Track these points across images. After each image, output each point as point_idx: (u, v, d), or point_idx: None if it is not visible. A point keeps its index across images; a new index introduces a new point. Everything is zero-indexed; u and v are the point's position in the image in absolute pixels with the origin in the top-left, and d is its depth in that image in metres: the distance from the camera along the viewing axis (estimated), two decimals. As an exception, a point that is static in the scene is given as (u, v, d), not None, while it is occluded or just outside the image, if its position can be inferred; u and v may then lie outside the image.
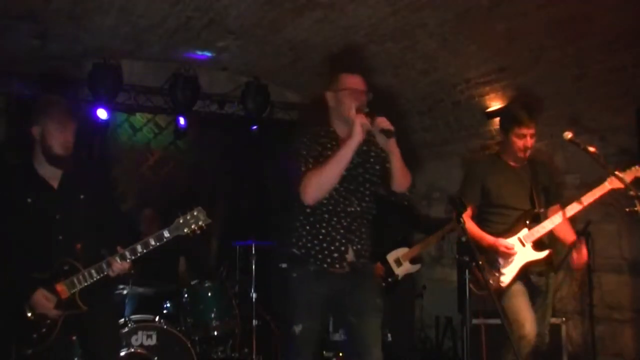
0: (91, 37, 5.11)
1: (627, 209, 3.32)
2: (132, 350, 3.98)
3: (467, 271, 2.70)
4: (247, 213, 6.53)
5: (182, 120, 5.98)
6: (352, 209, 2.83)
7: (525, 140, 3.59)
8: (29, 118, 2.88)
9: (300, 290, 2.81)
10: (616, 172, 3.32)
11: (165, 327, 4.15)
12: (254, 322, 4.86)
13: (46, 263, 2.76)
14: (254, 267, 4.97)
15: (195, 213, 2.82)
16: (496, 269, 3.57)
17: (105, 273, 2.79)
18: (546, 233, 3.58)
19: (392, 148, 2.75)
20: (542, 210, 3.63)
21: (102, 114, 5.44)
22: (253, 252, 4.99)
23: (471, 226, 3.56)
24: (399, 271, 5.12)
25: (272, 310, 5.20)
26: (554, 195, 3.74)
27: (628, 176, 3.34)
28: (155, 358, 4.02)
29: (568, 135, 3.46)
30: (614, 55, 4.19)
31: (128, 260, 2.80)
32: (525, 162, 3.71)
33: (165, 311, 4.64)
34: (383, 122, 2.69)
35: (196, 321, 4.51)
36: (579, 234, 4.38)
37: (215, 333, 4.54)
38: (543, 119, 4.52)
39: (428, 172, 6.25)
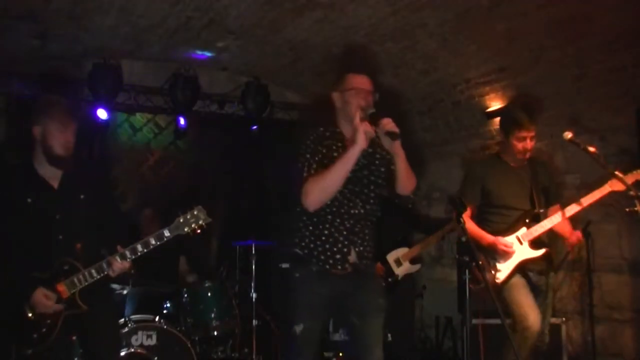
0: (91, 37, 5.11)
1: (627, 209, 3.32)
2: (132, 350, 3.98)
3: (467, 271, 2.70)
4: (247, 213, 6.53)
5: (182, 120, 5.98)
6: (356, 211, 2.82)
7: (525, 142, 3.60)
8: (29, 118, 2.88)
9: (302, 290, 2.80)
10: (616, 172, 3.32)
11: (165, 327, 4.15)
12: (254, 322, 4.86)
13: (46, 263, 2.76)
14: (254, 267, 4.97)
15: (195, 212, 2.82)
16: (493, 265, 3.60)
17: (106, 273, 2.78)
18: (544, 232, 3.60)
19: (397, 150, 2.74)
20: (542, 210, 3.64)
21: (102, 114, 5.44)
22: (253, 252, 4.99)
23: (470, 225, 3.57)
24: (399, 271, 5.12)
25: (272, 310, 5.21)
26: (554, 196, 3.75)
27: (629, 179, 3.34)
28: (155, 358, 4.01)
29: (568, 135, 3.46)
30: (614, 55, 4.19)
31: (128, 260, 2.80)
32: (526, 162, 3.72)
33: (165, 311, 4.63)
34: (388, 124, 2.67)
35: (196, 321, 4.51)
36: (579, 234, 4.40)
37: (215, 333, 4.54)
38: (543, 119, 4.53)
39: (428, 172, 6.25)
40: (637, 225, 4.02)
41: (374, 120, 2.70)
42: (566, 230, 3.65)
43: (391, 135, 2.66)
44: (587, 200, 3.51)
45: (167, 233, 2.81)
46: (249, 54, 5.61)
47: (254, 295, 4.92)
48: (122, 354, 3.81)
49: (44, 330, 2.72)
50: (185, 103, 5.70)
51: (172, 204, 5.03)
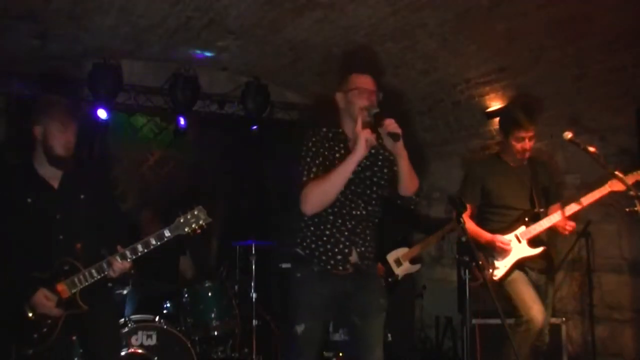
0: (91, 37, 5.10)
1: (627, 209, 3.32)
2: (132, 350, 3.98)
3: (467, 271, 2.70)
4: (247, 213, 6.53)
5: (182, 120, 5.98)
6: (358, 212, 2.82)
7: (524, 142, 3.61)
8: (30, 118, 2.88)
9: (303, 290, 2.80)
10: (616, 173, 3.32)
11: (165, 327, 4.15)
12: (254, 322, 4.86)
13: (46, 263, 2.76)
14: (254, 267, 4.97)
15: (195, 212, 2.83)
16: (491, 263, 3.62)
17: (106, 272, 2.79)
18: (543, 231, 3.61)
19: (400, 151, 2.72)
20: (542, 210, 3.64)
21: (102, 114, 5.44)
22: (253, 252, 4.99)
23: (469, 224, 3.58)
24: (399, 271, 5.12)
25: (272, 310, 5.21)
26: (554, 195, 3.76)
27: (629, 179, 3.35)
28: (155, 358, 4.01)
29: (568, 135, 3.46)
30: (614, 55, 4.19)
31: (129, 260, 2.80)
32: (526, 162, 3.72)
33: (165, 311, 4.63)
34: (391, 125, 2.65)
35: (196, 321, 4.51)
36: (579, 234, 4.41)
37: (215, 333, 4.54)
38: (543, 119, 4.53)
39: (428, 172, 6.25)
40: (637, 225, 4.02)
41: (377, 120, 2.69)
42: (560, 223, 3.63)
43: (393, 136, 2.65)
44: (587, 199, 3.52)
45: (167, 233, 2.81)
46: (249, 54, 5.60)
47: (254, 295, 4.92)
48: (122, 354, 3.81)
49: (45, 330, 2.72)
50: (185, 103, 5.70)
51: (172, 204, 5.03)
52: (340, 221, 2.80)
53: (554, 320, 4.09)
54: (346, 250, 2.79)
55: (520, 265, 3.63)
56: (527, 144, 3.61)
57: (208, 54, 5.60)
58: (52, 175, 2.88)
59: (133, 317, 4.19)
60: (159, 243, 2.81)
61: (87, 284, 2.77)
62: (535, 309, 3.47)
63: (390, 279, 5.06)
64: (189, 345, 4.16)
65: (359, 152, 2.66)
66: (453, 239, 5.30)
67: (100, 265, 2.78)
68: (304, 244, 2.84)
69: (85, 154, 5.41)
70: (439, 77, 5.37)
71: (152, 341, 4.07)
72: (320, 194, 2.69)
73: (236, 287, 5.07)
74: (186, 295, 4.59)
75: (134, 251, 2.80)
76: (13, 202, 2.80)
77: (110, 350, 2.96)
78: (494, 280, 3.59)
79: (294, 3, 4.40)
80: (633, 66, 4.18)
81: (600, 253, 4.49)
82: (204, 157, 6.57)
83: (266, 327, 5.13)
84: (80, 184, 2.93)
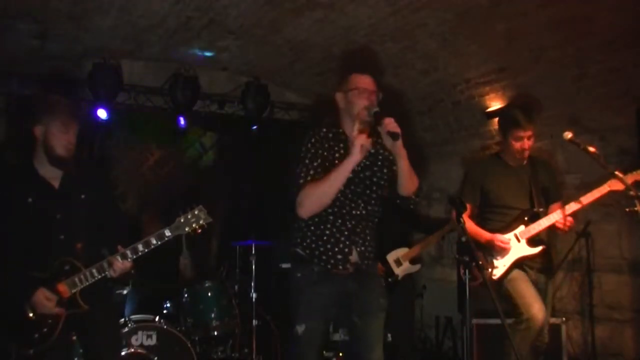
0: (91, 37, 5.10)
1: (627, 209, 3.32)
2: (132, 350, 3.97)
3: (467, 271, 2.70)
4: (247, 213, 6.53)
5: (182, 120, 5.98)
6: (358, 212, 2.83)
7: (522, 142, 3.61)
8: (31, 117, 2.88)
9: (303, 290, 2.81)
10: (616, 172, 3.32)
11: (165, 327, 4.15)
12: (254, 322, 4.86)
13: (47, 263, 2.76)
14: (254, 267, 4.97)
15: (196, 212, 2.83)
16: (490, 262, 3.62)
17: (107, 272, 2.79)
18: (542, 230, 3.61)
19: (399, 150, 2.73)
20: (541, 209, 3.64)
21: (102, 114, 5.44)
22: (253, 252, 4.99)
23: (468, 223, 3.58)
24: (399, 271, 5.13)
25: (272, 310, 5.21)
26: (553, 195, 3.75)
27: (629, 179, 3.35)
28: (155, 358, 4.01)
29: (568, 135, 3.46)
30: (614, 55, 4.19)
31: (129, 260, 2.80)
32: (526, 162, 3.73)
33: (165, 311, 4.63)
34: (390, 124, 2.66)
35: (196, 321, 4.51)
36: (578, 234, 4.41)
37: (215, 333, 4.54)
38: (543, 119, 4.53)
39: (428, 172, 6.25)
40: (637, 225, 4.01)
41: (377, 119, 2.70)
42: (559, 220, 3.62)
43: (393, 135, 2.66)
44: (587, 198, 3.51)
45: (168, 233, 2.82)
46: (249, 54, 5.61)
47: (254, 295, 4.93)
48: (122, 354, 3.81)
49: (45, 330, 2.72)
50: (185, 103, 5.70)
51: (172, 204, 5.04)
52: (340, 221, 2.80)
53: (554, 320, 4.09)
54: (346, 250, 2.79)
55: (519, 264, 3.63)
56: (526, 144, 3.62)
57: (208, 54, 5.60)
58: (53, 175, 2.88)
59: (133, 317, 4.19)
60: (159, 243, 2.82)
61: (87, 283, 2.77)
62: (536, 307, 3.47)
63: (390, 279, 5.07)
64: (189, 345, 4.16)
65: (354, 158, 2.68)
66: (453, 239, 5.31)
67: (100, 265, 2.78)
68: (304, 243, 2.85)
69: (86, 154, 5.41)
70: (439, 77, 5.37)
71: (152, 341, 4.07)
72: (315, 199, 2.72)
73: (236, 287, 5.07)
74: (186, 295, 4.60)
75: (135, 251, 2.80)
76: (13, 202, 2.80)
77: (111, 350, 2.96)
78: (494, 279, 3.60)
79: (294, 3, 4.41)
80: (633, 66, 4.18)
81: (600, 253, 4.49)
82: (204, 157, 6.57)
83: (266, 327, 5.12)
84: (81, 184, 2.93)
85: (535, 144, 3.73)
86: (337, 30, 4.84)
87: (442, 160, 6.11)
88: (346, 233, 2.80)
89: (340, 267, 2.79)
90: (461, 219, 2.71)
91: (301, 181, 2.75)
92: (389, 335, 4.84)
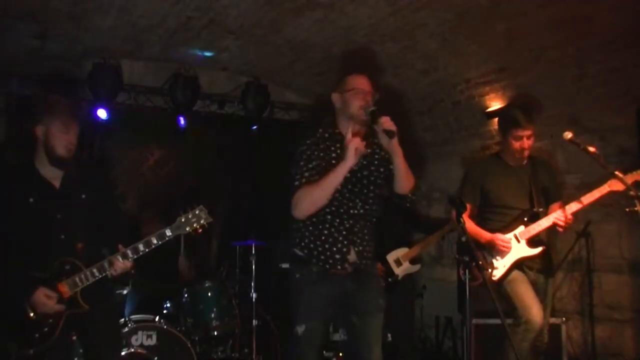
0: (91, 37, 5.11)
1: (627, 209, 3.32)
2: (132, 350, 3.97)
3: (467, 271, 2.70)
4: (247, 213, 6.53)
5: (182, 120, 5.98)
6: (356, 211, 2.84)
7: (522, 141, 3.61)
8: (32, 117, 2.89)
9: (302, 290, 2.82)
10: (616, 173, 3.32)
11: (165, 327, 4.15)
12: (254, 322, 4.86)
13: (47, 263, 2.76)
14: (254, 267, 4.97)
15: (196, 212, 2.84)
16: (490, 263, 3.62)
17: (107, 272, 2.79)
18: (542, 230, 3.60)
19: (395, 148, 2.75)
20: (541, 209, 3.64)
21: (102, 114, 5.44)
22: (253, 252, 4.99)
23: (468, 223, 3.57)
24: (399, 271, 5.13)
25: (272, 310, 5.20)
26: (553, 195, 3.75)
27: (629, 179, 3.35)
28: (155, 358, 4.01)
29: (568, 135, 3.46)
30: (614, 55, 4.19)
31: (130, 259, 2.80)
32: (526, 162, 3.73)
33: (165, 311, 4.63)
34: (386, 123, 2.69)
35: (196, 321, 4.51)
36: (578, 234, 4.41)
37: (215, 333, 4.53)
38: (543, 119, 4.53)
39: (428, 172, 6.25)
40: (637, 225, 4.01)
41: (373, 118, 2.73)
42: (559, 218, 3.61)
43: (388, 133, 2.69)
44: (587, 199, 3.51)
45: (168, 232, 2.82)
46: (249, 54, 5.61)
47: (254, 295, 4.92)
48: (122, 354, 3.81)
49: (46, 329, 2.72)
50: (185, 103, 5.70)
51: (172, 204, 5.03)
52: (338, 220, 2.81)
53: (554, 320, 4.09)
54: (344, 250, 2.80)
55: (519, 265, 3.63)
56: (526, 143, 3.62)
57: (208, 54, 5.60)
58: (53, 175, 2.88)
59: (133, 317, 4.19)
60: (160, 242, 2.82)
61: (88, 283, 2.77)
62: (534, 310, 3.47)
63: (390, 279, 5.07)
64: (189, 345, 4.16)
65: (349, 162, 2.70)
66: (453, 239, 5.31)
67: (101, 265, 2.78)
68: (302, 244, 2.86)
69: (86, 154, 5.40)
70: (439, 77, 5.37)
71: (152, 341, 4.07)
72: (310, 201, 2.74)
73: (236, 287, 5.07)
74: (186, 295, 4.60)
75: (136, 250, 2.80)
76: (14, 202, 2.80)
77: (111, 350, 2.96)
78: (493, 280, 3.59)
79: (294, 3, 4.41)
80: (633, 66, 4.18)
81: (600, 253, 4.49)
82: (204, 157, 6.56)
83: (266, 327, 5.12)
84: (81, 184, 2.93)
85: (535, 144, 3.73)
86: (337, 30, 4.84)
87: (442, 160, 6.11)
88: (344, 232, 2.81)
89: (339, 266, 2.79)
90: (461, 219, 2.71)
91: (296, 183, 2.78)
92: (389, 335, 4.85)
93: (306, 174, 2.78)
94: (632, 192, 3.24)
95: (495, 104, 5.25)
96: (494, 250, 3.63)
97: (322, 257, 2.80)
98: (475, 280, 3.26)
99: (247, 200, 6.64)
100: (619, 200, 3.69)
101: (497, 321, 3.74)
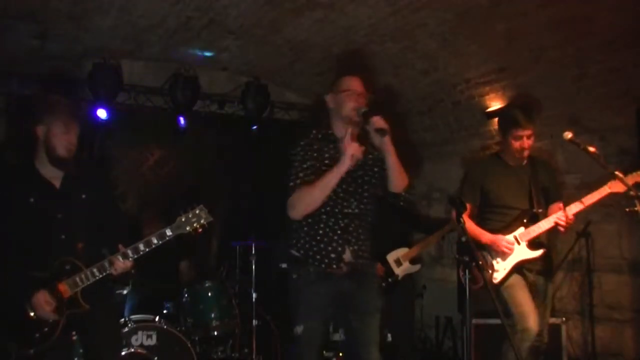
0: (91, 37, 5.11)
1: (627, 209, 3.32)
2: (132, 350, 3.97)
3: (467, 271, 2.70)
4: (247, 213, 6.52)
5: (182, 120, 5.98)
6: (350, 211, 2.86)
7: (522, 141, 3.61)
8: (32, 117, 2.89)
9: (301, 291, 2.83)
10: (616, 173, 3.32)
11: (165, 327, 4.15)
12: (254, 322, 4.86)
13: (48, 262, 2.76)
14: (254, 267, 4.97)
15: (197, 211, 2.84)
16: (490, 264, 3.61)
17: (108, 272, 2.79)
18: (542, 232, 3.59)
19: (387, 147, 2.78)
20: (540, 210, 3.63)
21: (102, 114, 5.44)
22: (253, 252, 4.99)
23: (469, 224, 3.57)
24: (399, 271, 5.12)
25: (272, 310, 5.20)
26: (554, 195, 3.75)
27: (629, 180, 3.34)
28: (155, 358, 4.01)
29: (568, 135, 3.46)
30: (614, 55, 4.19)
31: (130, 259, 2.80)
32: (526, 162, 3.72)
33: (165, 311, 4.63)
34: (377, 122, 2.73)
35: (196, 321, 4.51)
36: (578, 234, 4.41)
37: (215, 333, 4.53)
38: (543, 119, 4.53)
39: (428, 172, 6.25)
40: (637, 225, 4.02)
41: (366, 118, 2.77)
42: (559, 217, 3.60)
43: (380, 132, 2.73)
44: (589, 200, 3.51)
45: (169, 232, 2.83)
46: (249, 54, 5.61)
47: (254, 295, 4.92)
48: (122, 354, 3.81)
49: (46, 329, 2.72)
50: (185, 103, 5.70)
51: (172, 204, 5.02)
52: (333, 220, 2.83)
53: (554, 320, 4.09)
54: (339, 249, 2.81)
55: (519, 267, 3.61)
56: (526, 143, 3.61)
57: (208, 54, 5.60)
58: (54, 175, 2.88)
59: (133, 317, 4.18)
60: (160, 242, 2.82)
61: (88, 283, 2.77)
62: (531, 321, 3.45)
63: (390, 279, 5.06)
64: (189, 345, 4.16)
65: (344, 166, 2.74)
66: (453, 239, 5.31)
67: (102, 265, 2.78)
68: (299, 244, 2.88)
69: (86, 154, 5.40)
70: (439, 77, 5.37)
71: (152, 341, 4.07)
72: (306, 202, 2.77)
73: (236, 287, 5.07)
74: (186, 295, 4.59)
75: (136, 250, 2.81)
76: (15, 202, 2.80)
77: (111, 350, 2.97)
78: (494, 283, 3.57)
79: (294, 3, 4.41)
80: (633, 66, 4.18)
81: (600, 253, 4.49)
82: (204, 157, 6.56)
83: (266, 327, 5.12)
84: (81, 184, 2.94)
85: (535, 144, 3.73)
86: (337, 30, 4.84)
87: (442, 160, 6.11)
88: (339, 232, 2.83)
89: (334, 266, 2.80)
90: (461, 219, 2.71)
91: (291, 184, 2.81)
92: (389, 335, 4.84)
93: (301, 175, 2.81)
94: (632, 193, 3.24)
95: (495, 104, 5.25)
96: (495, 251, 3.62)
97: (318, 256, 2.81)
98: (475, 282, 3.27)
99: (247, 200, 6.63)
100: (619, 201, 3.69)
101: (497, 321, 3.74)
